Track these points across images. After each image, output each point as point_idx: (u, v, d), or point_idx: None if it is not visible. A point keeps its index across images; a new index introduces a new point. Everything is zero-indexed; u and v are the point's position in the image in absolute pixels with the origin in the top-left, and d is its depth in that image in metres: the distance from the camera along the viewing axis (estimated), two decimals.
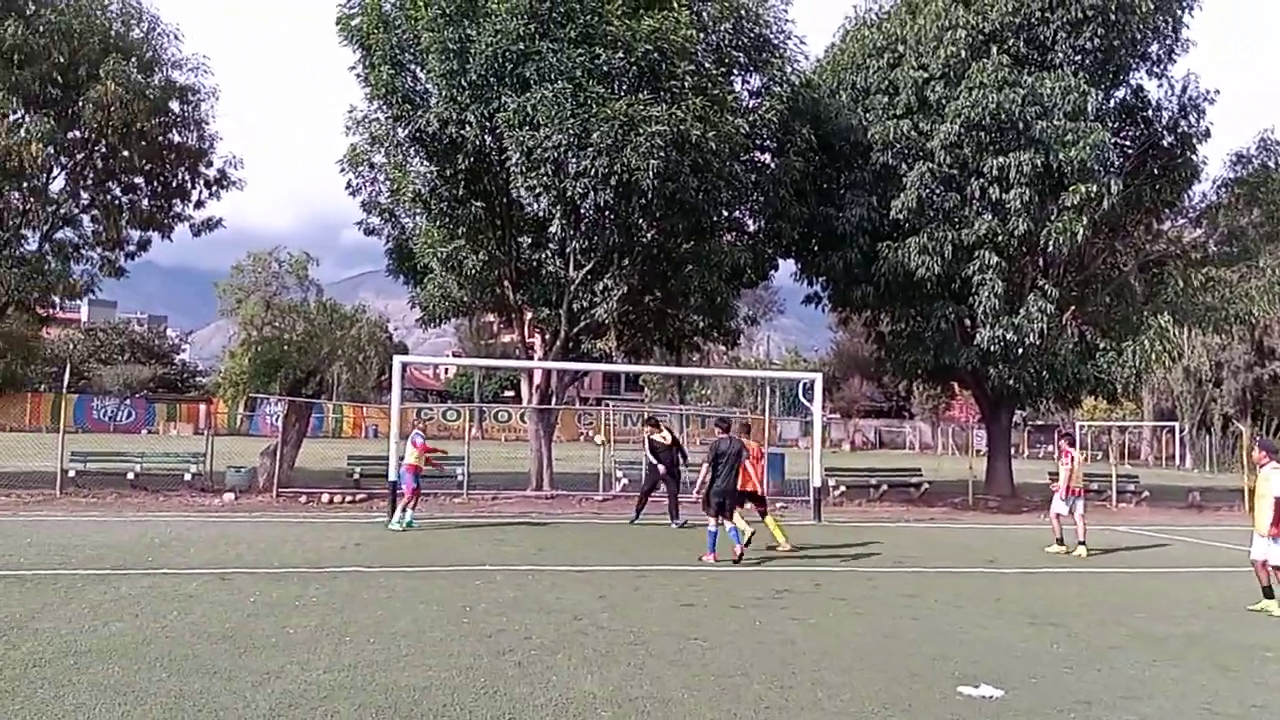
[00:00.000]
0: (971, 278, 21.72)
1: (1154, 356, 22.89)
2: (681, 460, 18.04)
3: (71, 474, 19.61)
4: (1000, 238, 21.62)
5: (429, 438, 18.00)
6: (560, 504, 20.60)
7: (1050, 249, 22.26)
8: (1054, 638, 8.90)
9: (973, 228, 21.64)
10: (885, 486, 23.89)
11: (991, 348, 21.95)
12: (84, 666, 6.86)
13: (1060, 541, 15.28)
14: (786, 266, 25.69)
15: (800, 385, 21.24)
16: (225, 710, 5.96)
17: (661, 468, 17.48)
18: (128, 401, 54.34)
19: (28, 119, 18.72)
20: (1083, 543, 14.87)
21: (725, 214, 22.11)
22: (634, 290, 21.71)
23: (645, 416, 21.09)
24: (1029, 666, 7.76)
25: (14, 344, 47.24)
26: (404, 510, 15.85)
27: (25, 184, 19.62)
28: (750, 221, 23.69)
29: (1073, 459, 15.36)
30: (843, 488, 23.24)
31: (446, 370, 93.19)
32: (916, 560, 13.92)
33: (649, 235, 21.37)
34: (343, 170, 22.40)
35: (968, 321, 23.45)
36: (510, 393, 77.16)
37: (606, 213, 20.63)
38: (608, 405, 28.04)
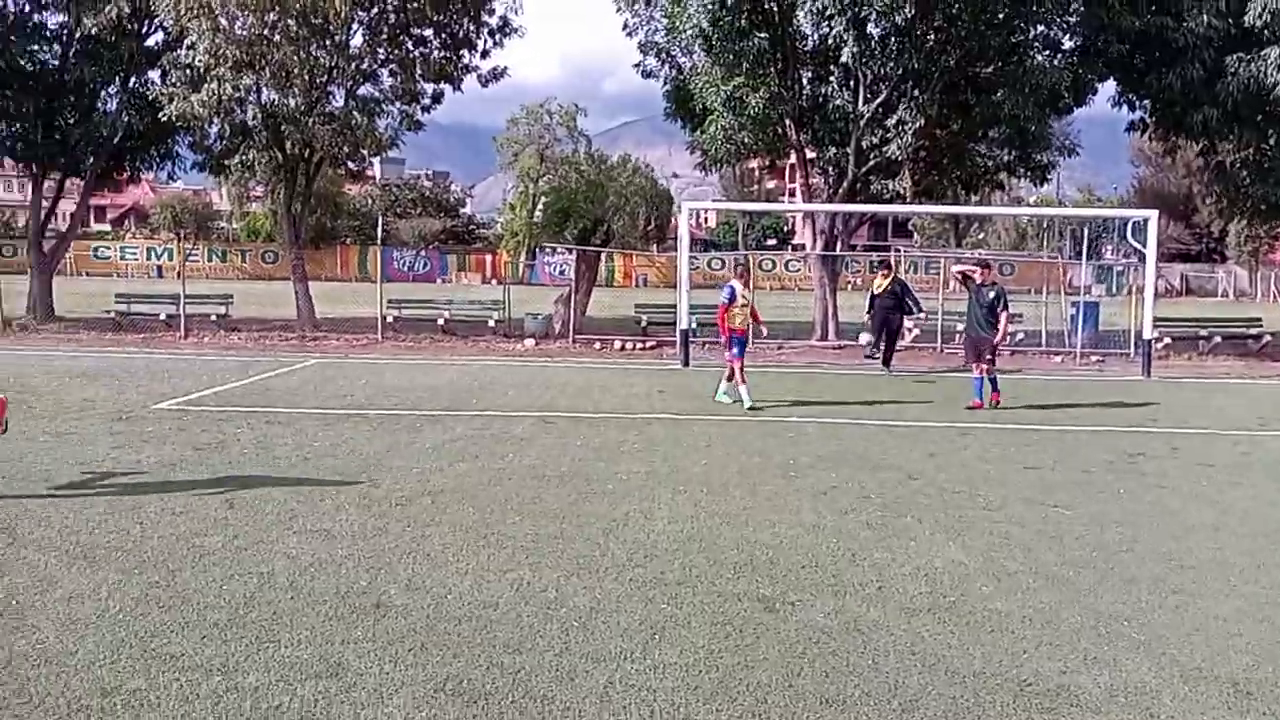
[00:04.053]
0: None
1: None
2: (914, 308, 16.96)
3: (389, 320, 21.15)
4: None
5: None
6: (849, 354, 19.86)
7: None
8: None
9: None
10: (1217, 339, 21.24)
11: None
12: (441, 506, 7.09)
13: None
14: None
15: (1130, 224, 18.95)
16: (585, 558, 5.91)
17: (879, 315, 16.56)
18: (423, 253, 58.36)
19: None
20: None
21: (1039, 29, 19.62)
22: (930, 122, 19.94)
23: (877, 261, 19.64)
24: None
25: (322, 200, 51.64)
26: (728, 380, 12.51)
27: (329, 41, 20.49)
28: (1065, 38, 20.94)
29: None
30: (1166, 340, 20.87)
31: (707, 219, 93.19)
32: None
33: (951, 59, 19.33)
34: (619, 10, 21.82)
35: None
36: (771, 241, 76.10)
37: (901, 36, 18.81)
38: (898, 252, 26.61)
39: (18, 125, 22.36)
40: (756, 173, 74.53)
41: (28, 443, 8.99)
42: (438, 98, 22.83)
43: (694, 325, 18.39)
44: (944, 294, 21.22)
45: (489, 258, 58.91)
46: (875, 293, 16.72)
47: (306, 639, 4.61)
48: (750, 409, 11.82)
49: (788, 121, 21.37)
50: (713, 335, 20.27)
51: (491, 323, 21.75)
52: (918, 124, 19.24)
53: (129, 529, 6.33)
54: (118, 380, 13.72)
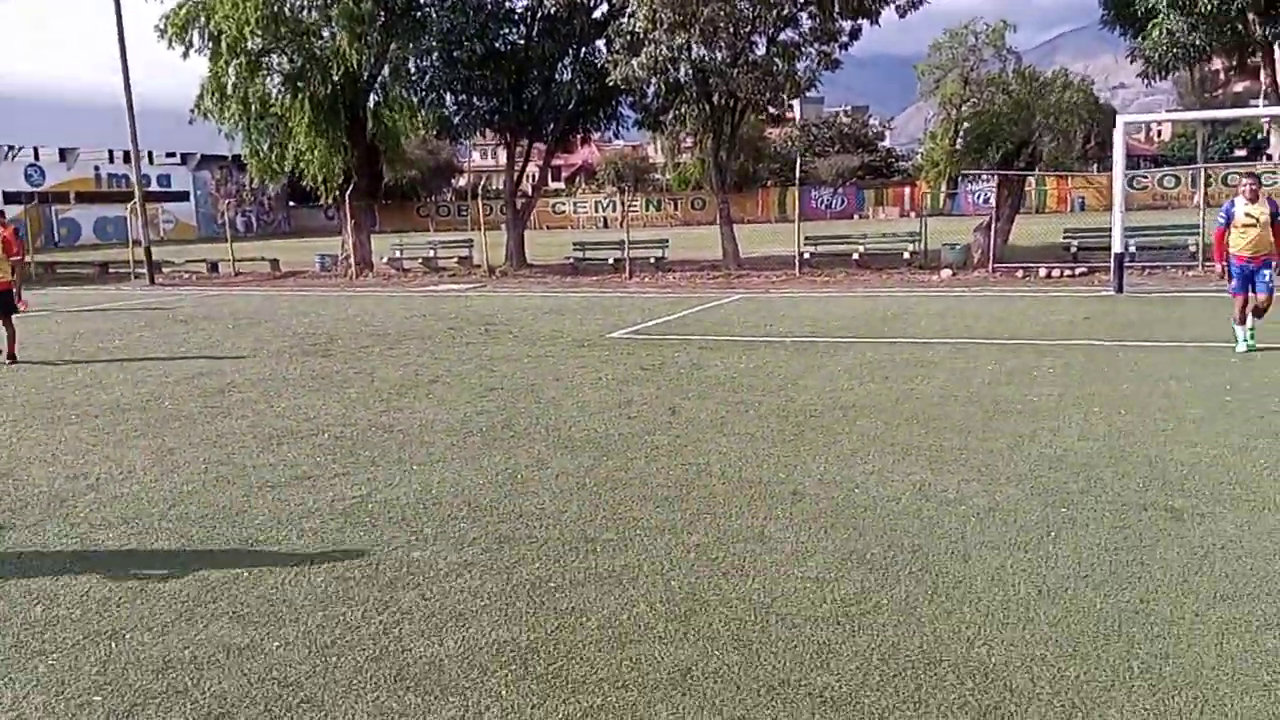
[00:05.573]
0: None
1: None
2: None
3: (806, 256, 22.05)
4: None
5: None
6: None
7: None
8: None
9: None
10: None
11: None
12: (850, 419, 7.73)
13: None
14: None
15: None
16: (987, 466, 6.24)
17: None
18: (840, 189, 58.76)
19: None
20: None
21: None
22: None
23: None
24: None
25: (745, 145, 53.74)
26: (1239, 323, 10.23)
27: None
28: None
29: None
30: None
31: (1159, 133, 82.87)
32: None
33: None
34: None
35: None
36: (1241, 152, 65.98)
37: None
38: None
39: (494, 100, 26.16)
40: (1221, 75, 65.00)
41: (513, 364, 11.04)
42: (855, 34, 23.01)
43: (1132, 249, 17.09)
44: None
45: (907, 190, 57.80)
46: None
47: (736, 514, 5.52)
48: (1248, 351, 9.98)
49: (1249, 15, 18.81)
50: (1153, 260, 18.76)
51: (907, 255, 21.80)
52: None
53: (595, 427, 7.73)
54: (578, 315, 15.98)
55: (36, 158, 56.37)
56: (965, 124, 27.31)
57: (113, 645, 4.07)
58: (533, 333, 13.74)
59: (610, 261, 24.63)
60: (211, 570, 4.89)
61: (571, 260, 25.25)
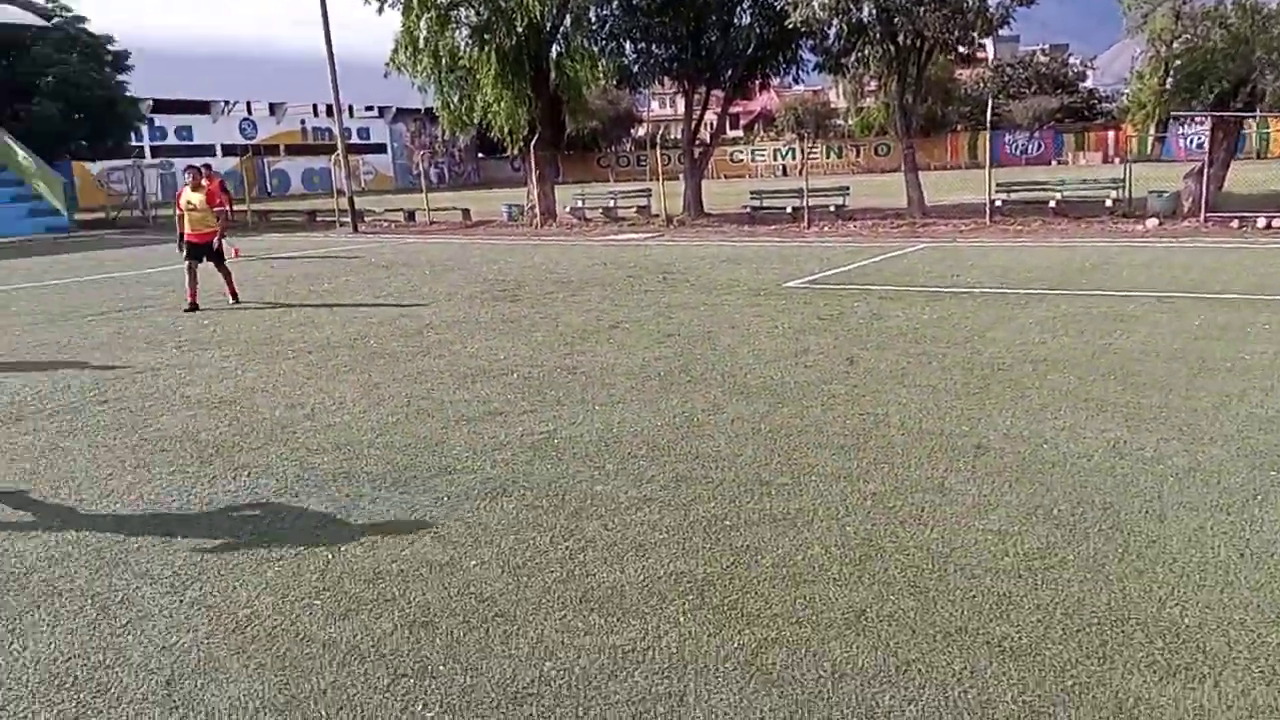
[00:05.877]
0: None
1: None
2: None
3: (998, 204, 21.09)
4: None
5: None
6: None
7: None
8: None
9: None
10: None
11: None
12: (1042, 373, 7.44)
13: None
14: None
15: None
16: (1189, 425, 5.91)
17: None
18: (1036, 134, 55.55)
19: None
20: None
21: None
22: None
23: None
24: None
25: (933, 88, 51.50)
26: None
27: None
28: None
29: None
30: None
31: None
32: None
33: None
34: None
35: None
36: None
37: None
38: None
39: (673, 47, 26.12)
40: None
41: (690, 311, 11.17)
42: None
43: None
44: None
45: (1111, 134, 54.05)
46: None
47: (915, 464, 5.46)
48: None
49: None
50: None
51: (1109, 203, 20.48)
52: None
53: (770, 375, 7.77)
54: (754, 264, 15.93)
55: (249, 112, 60.55)
56: (1176, 61, 25.26)
57: (330, 556, 4.50)
58: (709, 281, 13.82)
59: (788, 210, 24.30)
60: (415, 495, 5.30)
61: (749, 209, 25.09)
